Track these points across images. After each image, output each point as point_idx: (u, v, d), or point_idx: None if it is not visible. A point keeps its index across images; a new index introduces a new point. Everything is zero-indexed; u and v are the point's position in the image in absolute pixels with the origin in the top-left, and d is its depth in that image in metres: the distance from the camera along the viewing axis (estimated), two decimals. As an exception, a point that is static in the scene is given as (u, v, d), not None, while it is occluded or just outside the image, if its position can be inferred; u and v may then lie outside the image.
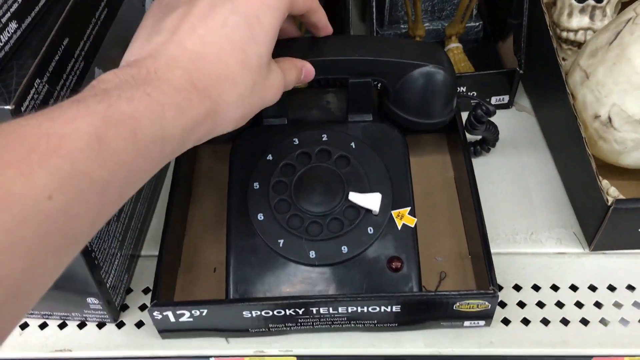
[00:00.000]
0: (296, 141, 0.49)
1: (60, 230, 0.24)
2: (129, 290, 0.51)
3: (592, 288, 0.50)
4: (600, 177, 0.50)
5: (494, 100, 0.64)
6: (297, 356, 0.47)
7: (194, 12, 0.34)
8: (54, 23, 0.37)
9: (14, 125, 0.25)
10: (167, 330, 0.46)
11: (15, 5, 0.34)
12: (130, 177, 0.28)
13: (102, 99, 0.27)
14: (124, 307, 0.50)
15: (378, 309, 0.45)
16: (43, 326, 0.49)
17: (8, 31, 0.34)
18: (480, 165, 0.59)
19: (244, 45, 0.34)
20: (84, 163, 0.25)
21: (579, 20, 0.62)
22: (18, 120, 0.25)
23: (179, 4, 0.36)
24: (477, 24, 0.68)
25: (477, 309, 0.45)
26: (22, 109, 0.33)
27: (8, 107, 0.32)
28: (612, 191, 0.53)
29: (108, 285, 0.46)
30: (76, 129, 0.25)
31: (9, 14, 0.34)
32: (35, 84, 0.34)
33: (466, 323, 0.47)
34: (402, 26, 0.69)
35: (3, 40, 0.34)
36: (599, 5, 0.61)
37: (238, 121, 0.35)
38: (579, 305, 0.49)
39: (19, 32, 0.35)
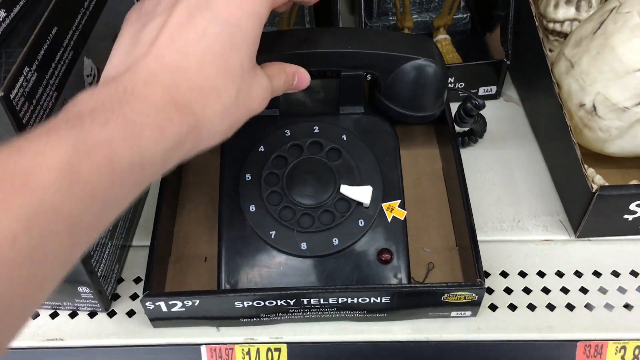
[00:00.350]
0: (288, 133, 0.50)
1: (27, 276, 0.23)
2: (120, 280, 0.51)
3: (578, 274, 0.51)
4: (585, 165, 0.51)
5: (481, 90, 0.65)
6: (287, 343, 0.47)
7: (172, 22, 0.33)
8: (43, 12, 0.37)
9: None
10: (158, 319, 0.47)
11: (4, -6, 0.35)
12: (106, 206, 0.26)
13: (75, 124, 0.26)
14: (115, 297, 0.50)
15: (368, 299, 0.45)
16: (35, 316, 0.49)
17: (-3, 20, 0.34)
18: (468, 155, 0.60)
19: (225, 54, 0.33)
20: (52, 198, 0.23)
21: (565, 12, 0.62)
22: None
23: (156, 13, 0.35)
24: (465, 15, 0.69)
25: (465, 300, 0.46)
26: (12, 96, 0.33)
27: (-3, 94, 0.32)
28: (597, 179, 0.53)
29: (99, 275, 0.46)
30: (45, 163, 0.24)
31: (-3, 3, 0.34)
32: (24, 72, 0.34)
33: (453, 313, 0.48)
34: (391, 18, 0.70)
35: (-8, 28, 0.34)
36: (584, -4, 0.62)
37: (224, 133, 0.34)
38: (564, 290, 0.50)
39: (7, 21, 0.35)
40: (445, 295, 0.45)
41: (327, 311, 0.47)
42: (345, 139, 0.50)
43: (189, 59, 0.32)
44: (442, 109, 0.52)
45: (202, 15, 0.33)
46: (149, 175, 0.29)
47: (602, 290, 0.50)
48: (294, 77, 0.42)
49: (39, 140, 0.25)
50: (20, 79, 0.34)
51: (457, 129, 0.57)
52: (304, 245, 0.46)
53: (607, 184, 0.52)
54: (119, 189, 0.27)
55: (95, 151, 0.25)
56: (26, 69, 0.35)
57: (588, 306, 0.49)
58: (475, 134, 0.60)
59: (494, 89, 0.65)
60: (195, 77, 0.32)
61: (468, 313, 0.48)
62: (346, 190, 0.47)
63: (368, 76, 0.50)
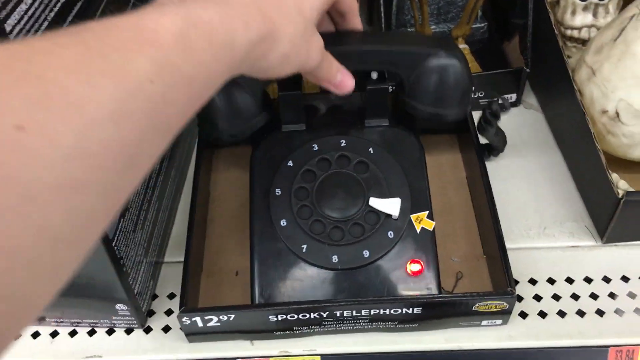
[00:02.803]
0: (315, 147, 0.50)
1: (161, 112, 0.26)
2: (154, 296, 0.52)
3: (606, 279, 0.52)
4: (610, 171, 0.51)
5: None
6: (321, 355, 0.48)
7: None
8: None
9: (109, 21, 0.26)
10: (194, 334, 0.48)
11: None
12: (209, 79, 0.30)
13: (180, 5, 0.29)
14: (151, 313, 0.51)
15: (400, 310, 0.46)
16: (73, 333, 0.50)
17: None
18: (491, 163, 0.60)
19: None
20: (174, 56, 0.27)
21: (582, 18, 0.63)
22: (110, 19, 0.27)
23: None
24: (483, 25, 0.70)
25: (496, 309, 0.46)
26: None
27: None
28: (621, 184, 0.54)
29: (135, 292, 0.47)
30: (163, 26, 0.27)
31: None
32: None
33: (484, 322, 0.48)
34: (409, 29, 0.71)
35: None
36: (601, 2, 0.63)
37: (285, 59, 0.36)
38: (593, 296, 0.51)
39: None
40: (477, 305, 0.46)
41: (360, 323, 0.47)
42: (372, 151, 0.51)
43: None
44: (469, 109, 0.51)
45: None
46: (236, 62, 0.32)
47: (631, 295, 0.50)
48: (339, 73, 0.43)
49: (153, 11, 0.28)
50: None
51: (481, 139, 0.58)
52: (335, 258, 0.47)
53: (631, 189, 0.52)
54: (216, 64, 0.30)
55: (200, 26, 0.29)
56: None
57: (618, 311, 0.49)
58: (496, 149, 0.60)
59: (514, 96, 0.66)
60: None
61: (499, 322, 0.48)
62: (375, 202, 0.48)
63: (391, 88, 0.51)
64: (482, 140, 0.57)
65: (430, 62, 0.48)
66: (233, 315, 0.46)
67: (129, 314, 0.48)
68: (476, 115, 0.58)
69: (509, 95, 0.66)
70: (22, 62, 0.22)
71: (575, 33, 0.64)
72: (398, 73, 0.49)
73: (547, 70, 0.63)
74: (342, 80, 0.43)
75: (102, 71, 0.23)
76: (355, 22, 0.46)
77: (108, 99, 0.23)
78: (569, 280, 0.52)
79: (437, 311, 0.47)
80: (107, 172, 0.23)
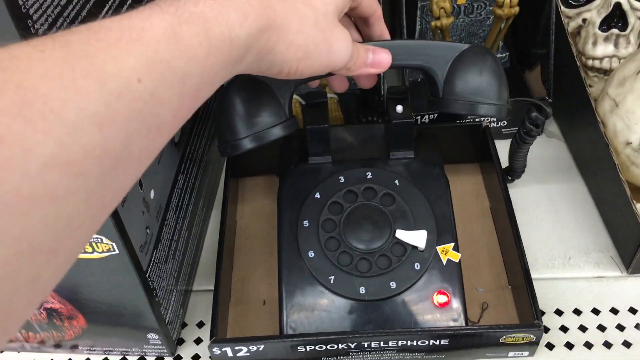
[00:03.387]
0: (342, 179, 0.51)
1: (150, 112, 0.26)
2: (183, 325, 0.53)
3: (632, 310, 0.52)
4: (634, 202, 0.51)
5: (524, 128, 0.66)
6: (348, 385, 0.48)
7: None
8: None
9: (96, 22, 0.26)
10: (223, 363, 0.48)
11: None
12: (204, 74, 0.29)
13: (171, 3, 0.29)
14: (180, 341, 0.52)
15: (427, 342, 0.46)
16: (104, 362, 0.51)
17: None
18: (513, 191, 0.61)
19: None
20: (164, 52, 0.27)
21: (603, 49, 0.64)
22: (98, 20, 0.27)
23: None
24: (504, 55, 0.71)
25: (523, 341, 0.47)
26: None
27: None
28: (646, 215, 0.54)
29: (166, 321, 0.48)
30: (152, 24, 0.27)
31: None
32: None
33: (510, 354, 0.49)
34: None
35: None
36: (622, 33, 0.63)
37: (299, 51, 0.35)
38: (620, 328, 0.51)
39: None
40: (504, 337, 0.46)
41: (387, 353, 0.48)
42: (397, 183, 0.51)
43: None
44: (508, 106, 0.48)
45: None
46: (235, 56, 0.31)
47: (658, 327, 0.51)
48: (367, 54, 0.41)
49: (143, 10, 0.28)
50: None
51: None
52: (362, 290, 0.48)
53: (657, 220, 0.53)
54: (213, 59, 0.29)
55: (193, 20, 0.29)
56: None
57: (645, 343, 0.50)
58: (516, 171, 0.61)
59: (536, 125, 0.66)
60: None
61: (525, 353, 0.48)
62: (402, 234, 0.49)
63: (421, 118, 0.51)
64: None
65: (465, 51, 0.46)
66: (262, 346, 0.46)
67: (160, 342, 0.49)
68: (499, 144, 0.59)
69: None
70: (0, 71, 0.21)
71: (596, 63, 0.64)
72: (431, 68, 0.47)
73: (569, 100, 0.64)
74: (375, 59, 0.42)
75: (85, 73, 0.23)
76: (381, 26, 0.45)
77: (91, 103, 0.23)
78: (595, 311, 0.52)
79: (464, 343, 0.47)
80: (90, 178, 0.23)
